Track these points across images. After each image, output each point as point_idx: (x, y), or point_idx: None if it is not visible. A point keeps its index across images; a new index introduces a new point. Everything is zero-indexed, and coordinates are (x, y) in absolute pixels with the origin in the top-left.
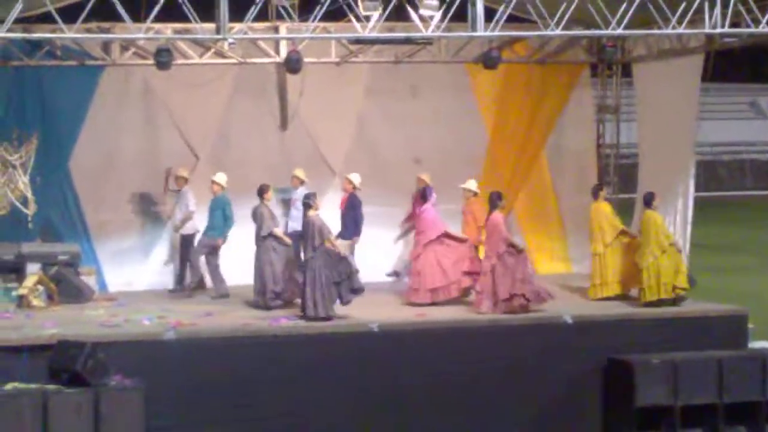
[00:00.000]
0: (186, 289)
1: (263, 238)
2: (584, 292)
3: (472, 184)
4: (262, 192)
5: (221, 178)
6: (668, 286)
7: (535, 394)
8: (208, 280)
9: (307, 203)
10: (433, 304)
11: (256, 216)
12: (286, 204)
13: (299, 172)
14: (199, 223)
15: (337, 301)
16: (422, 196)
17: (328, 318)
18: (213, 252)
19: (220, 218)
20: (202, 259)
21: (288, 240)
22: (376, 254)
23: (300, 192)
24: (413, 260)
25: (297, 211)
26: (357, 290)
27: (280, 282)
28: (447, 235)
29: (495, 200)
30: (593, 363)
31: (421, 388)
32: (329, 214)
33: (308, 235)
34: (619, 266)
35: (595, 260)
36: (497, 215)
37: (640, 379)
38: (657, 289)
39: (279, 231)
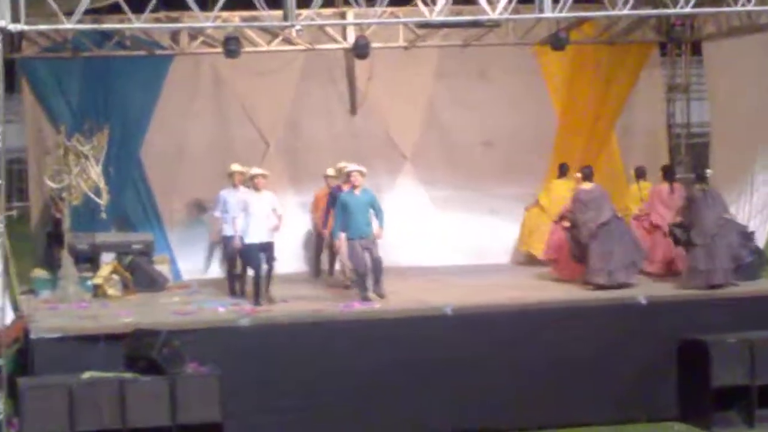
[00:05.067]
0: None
1: None
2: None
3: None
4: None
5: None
6: None
7: (609, 376)
8: None
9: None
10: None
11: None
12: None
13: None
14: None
15: None
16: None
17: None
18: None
19: None
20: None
21: None
22: (449, 239)
23: (243, 191)
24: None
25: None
26: None
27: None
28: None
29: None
30: (668, 344)
31: (497, 371)
32: (401, 199)
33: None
34: None
35: None
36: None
37: (716, 360)
38: None
39: None
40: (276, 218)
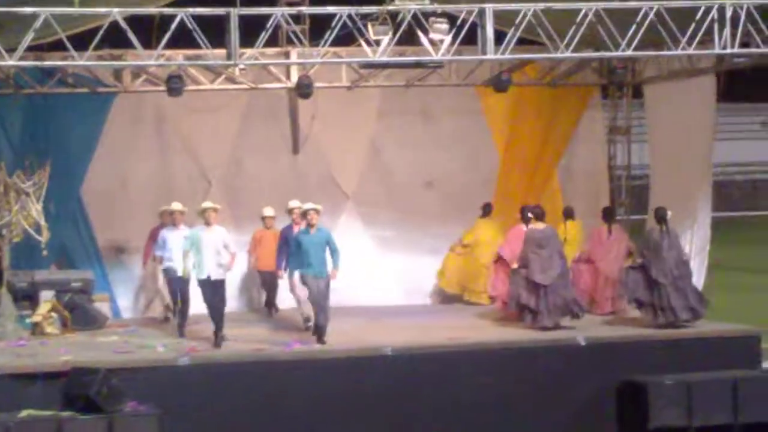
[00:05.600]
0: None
1: None
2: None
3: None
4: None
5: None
6: None
7: (548, 416)
8: None
9: None
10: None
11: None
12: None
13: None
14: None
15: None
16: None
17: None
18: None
19: None
20: None
21: None
22: (390, 278)
23: (183, 229)
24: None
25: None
26: None
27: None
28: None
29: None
30: (607, 385)
31: (434, 412)
32: (343, 239)
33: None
34: None
35: None
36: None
37: (654, 401)
38: None
39: None
40: (229, 255)
